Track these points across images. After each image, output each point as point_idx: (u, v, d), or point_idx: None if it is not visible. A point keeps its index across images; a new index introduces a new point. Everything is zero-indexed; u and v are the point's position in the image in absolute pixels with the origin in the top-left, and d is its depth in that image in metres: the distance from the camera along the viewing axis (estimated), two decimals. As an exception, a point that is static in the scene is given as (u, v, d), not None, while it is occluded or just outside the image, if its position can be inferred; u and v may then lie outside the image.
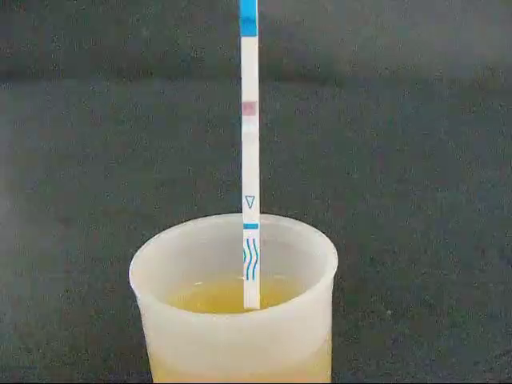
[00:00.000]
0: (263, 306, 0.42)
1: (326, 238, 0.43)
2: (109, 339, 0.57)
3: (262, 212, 0.42)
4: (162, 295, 0.41)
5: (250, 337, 0.39)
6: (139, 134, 0.89)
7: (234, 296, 0.43)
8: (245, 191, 0.41)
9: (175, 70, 1.02)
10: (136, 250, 0.43)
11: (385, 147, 0.83)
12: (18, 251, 0.70)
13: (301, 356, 0.41)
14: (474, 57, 0.96)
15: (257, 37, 0.38)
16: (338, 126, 0.88)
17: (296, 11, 1.00)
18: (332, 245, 0.42)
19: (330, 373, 0.44)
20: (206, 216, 0.46)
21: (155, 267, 0.43)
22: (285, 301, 0.39)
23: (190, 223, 0.45)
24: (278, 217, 0.45)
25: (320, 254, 0.42)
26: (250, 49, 0.39)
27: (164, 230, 0.45)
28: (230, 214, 0.45)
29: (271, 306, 0.39)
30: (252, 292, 0.42)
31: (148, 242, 0.44)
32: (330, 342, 0.43)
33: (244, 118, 0.40)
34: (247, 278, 0.42)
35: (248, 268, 0.42)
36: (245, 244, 0.42)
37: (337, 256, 0.41)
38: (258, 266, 0.42)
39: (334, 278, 0.41)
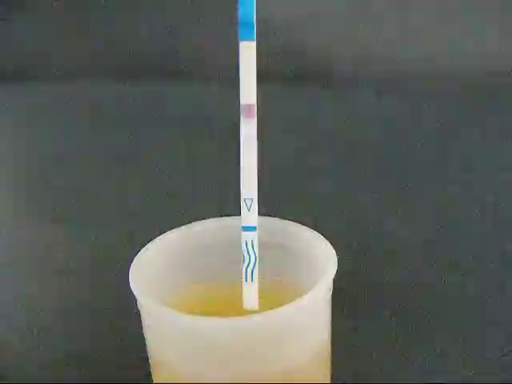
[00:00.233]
0: (263, 308, 0.42)
1: (326, 240, 0.43)
2: (109, 339, 0.57)
3: (260, 214, 0.42)
4: (161, 298, 0.42)
5: (250, 339, 0.39)
6: (139, 134, 0.89)
7: (234, 298, 0.43)
8: (243, 193, 0.41)
9: (175, 70, 1.02)
10: (136, 253, 0.43)
11: (385, 147, 0.83)
12: (17, 252, 0.70)
13: (301, 358, 0.41)
14: (474, 57, 0.96)
15: (255, 41, 0.39)
16: (337, 126, 0.88)
17: (296, 11, 1.00)
18: (331, 247, 0.42)
19: (329, 374, 0.44)
20: (205, 219, 0.46)
21: (155, 270, 0.43)
22: (285, 303, 0.39)
23: (190, 226, 0.45)
24: (276, 219, 0.45)
25: (319, 255, 0.42)
26: (248, 53, 0.39)
27: (163, 232, 0.45)
28: (228, 217, 0.45)
29: (271, 308, 0.39)
30: (251, 294, 0.42)
31: (148, 244, 0.44)
32: (330, 343, 0.43)
33: (242, 120, 0.40)
34: (246, 280, 0.42)
35: (247, 270, 0.42)
36: (243, 246, 0.42)
37: (336, 258, 0.41)
38: (256, 267, 0.42)
39: (334, 279, 0.41)
